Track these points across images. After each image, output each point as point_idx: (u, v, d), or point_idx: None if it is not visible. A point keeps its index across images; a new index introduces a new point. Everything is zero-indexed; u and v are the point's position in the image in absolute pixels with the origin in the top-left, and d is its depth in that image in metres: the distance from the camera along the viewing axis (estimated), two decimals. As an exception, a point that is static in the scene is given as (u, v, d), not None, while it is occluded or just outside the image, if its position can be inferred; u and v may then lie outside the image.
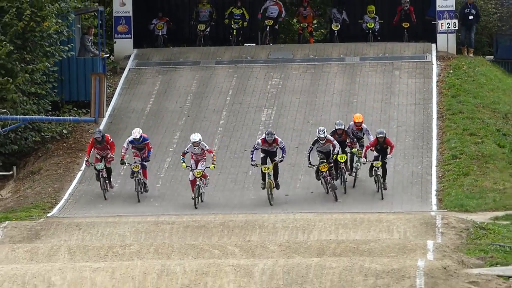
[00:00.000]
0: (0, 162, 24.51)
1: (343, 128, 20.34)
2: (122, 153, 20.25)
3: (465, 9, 28.20)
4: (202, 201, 19.49)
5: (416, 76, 26.64)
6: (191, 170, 19.29)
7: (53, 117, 24.94)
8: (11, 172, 24.84)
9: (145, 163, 20.22)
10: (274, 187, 19.42)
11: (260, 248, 16.34)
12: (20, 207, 20.47)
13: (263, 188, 19.26)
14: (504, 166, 22.38)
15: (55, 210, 20.46)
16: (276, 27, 29.53)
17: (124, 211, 20.64)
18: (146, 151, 20.30)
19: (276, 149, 19.41)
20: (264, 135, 19.46)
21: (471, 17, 28.09)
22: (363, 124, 20.69)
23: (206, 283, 12.86)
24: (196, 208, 18.99)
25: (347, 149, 20.56)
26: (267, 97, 26.18)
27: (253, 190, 21.49)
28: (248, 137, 24.09)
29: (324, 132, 19.71)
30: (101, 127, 24.50)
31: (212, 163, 19.57)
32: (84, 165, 23.33)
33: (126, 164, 20.35)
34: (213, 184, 22.01)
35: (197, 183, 19.22)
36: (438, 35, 28.27)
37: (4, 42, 23.08)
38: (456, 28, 27.94)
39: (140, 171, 20.02)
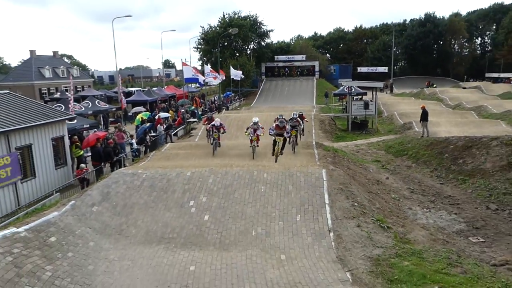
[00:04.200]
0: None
1: (297, 117, 21.53)
2: (209, 127, 22.68)
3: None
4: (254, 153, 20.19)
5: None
6: (250, 136, 20.02)
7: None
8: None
9: (221, 134, 21.55)
10: (280, 152, 18.83)
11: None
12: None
13: (272, 154, 19.08)
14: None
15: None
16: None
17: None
18: (222, 130, 21.45)
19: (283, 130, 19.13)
20: (277, 122, 19.08)
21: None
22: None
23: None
24: (253, 158, 19.47)
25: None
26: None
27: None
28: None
29: (296, 114, 21.66)
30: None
31: (262, 133, 20.23)
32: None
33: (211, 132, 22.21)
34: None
35: (253, 143, 19.97)
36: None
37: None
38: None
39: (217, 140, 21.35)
